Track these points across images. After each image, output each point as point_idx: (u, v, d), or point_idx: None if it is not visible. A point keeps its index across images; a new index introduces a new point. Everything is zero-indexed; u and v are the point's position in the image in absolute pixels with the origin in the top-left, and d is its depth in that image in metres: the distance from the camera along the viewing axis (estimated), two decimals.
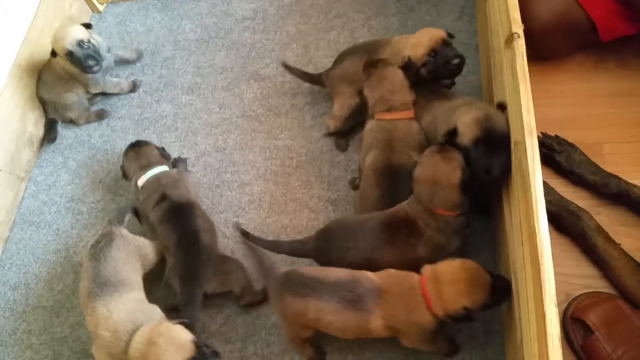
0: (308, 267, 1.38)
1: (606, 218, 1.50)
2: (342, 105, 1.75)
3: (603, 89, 1.74)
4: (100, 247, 1.46)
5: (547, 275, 1.00)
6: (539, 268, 1.01)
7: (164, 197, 1.59)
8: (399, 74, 1.55)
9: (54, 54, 1.87)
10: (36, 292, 1.70)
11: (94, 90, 1.99)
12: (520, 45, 1.26)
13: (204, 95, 1.99)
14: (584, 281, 1.45)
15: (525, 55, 1.25)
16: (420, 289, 1.24)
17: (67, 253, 1.75)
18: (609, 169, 1.55)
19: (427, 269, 1.26)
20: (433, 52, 1.53)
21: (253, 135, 1.88)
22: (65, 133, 1.99)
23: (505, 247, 1.36)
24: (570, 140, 1.63)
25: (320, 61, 1.98)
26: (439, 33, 1.55)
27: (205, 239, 1.54)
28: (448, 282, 1.22)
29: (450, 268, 1.24)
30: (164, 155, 1.74)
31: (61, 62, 1.90)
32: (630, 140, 1.63)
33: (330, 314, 1.27)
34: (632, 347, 1.29)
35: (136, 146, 1.73)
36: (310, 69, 1.96)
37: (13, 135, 1.84)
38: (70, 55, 1.82)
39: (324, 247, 1.42)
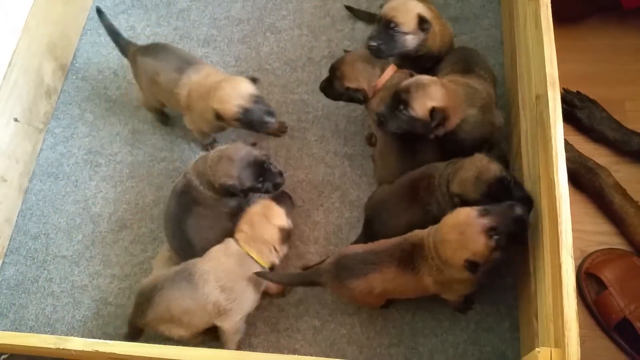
0: (356, 245, 1.39)
1: (625, 175, 1.49)
2: None
3: (626, 46, 1.71)
4: None
5: (564, 227, 1.00)
6: (557, 220, 1.01)
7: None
8: (354, 55, 1.54)
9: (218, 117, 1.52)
10: (56, 242, 1.74)
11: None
12: None
13: (220, 48, 1.97)
14: (600, 238, 1.46)
15: (549, 6, 1.22)
16: None
17: (85, 204, 1.78)
18: (631, 126, 1.54)
19: None
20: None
21: (269, 89, 1.87)
22: (81, 85, 1.98)
23: None
24: (591, 97, 1.60)
25: (338, 13, 1.94)
26: None
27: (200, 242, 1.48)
28: None
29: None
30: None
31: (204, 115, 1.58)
32: None
33: (393, 281, 1.28)
34: None
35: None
36: (327, 22, 1.93)
37: (30, 86, 1.84)
38: (245, 113, 1.48)
39: (372, 232, 1.44)
